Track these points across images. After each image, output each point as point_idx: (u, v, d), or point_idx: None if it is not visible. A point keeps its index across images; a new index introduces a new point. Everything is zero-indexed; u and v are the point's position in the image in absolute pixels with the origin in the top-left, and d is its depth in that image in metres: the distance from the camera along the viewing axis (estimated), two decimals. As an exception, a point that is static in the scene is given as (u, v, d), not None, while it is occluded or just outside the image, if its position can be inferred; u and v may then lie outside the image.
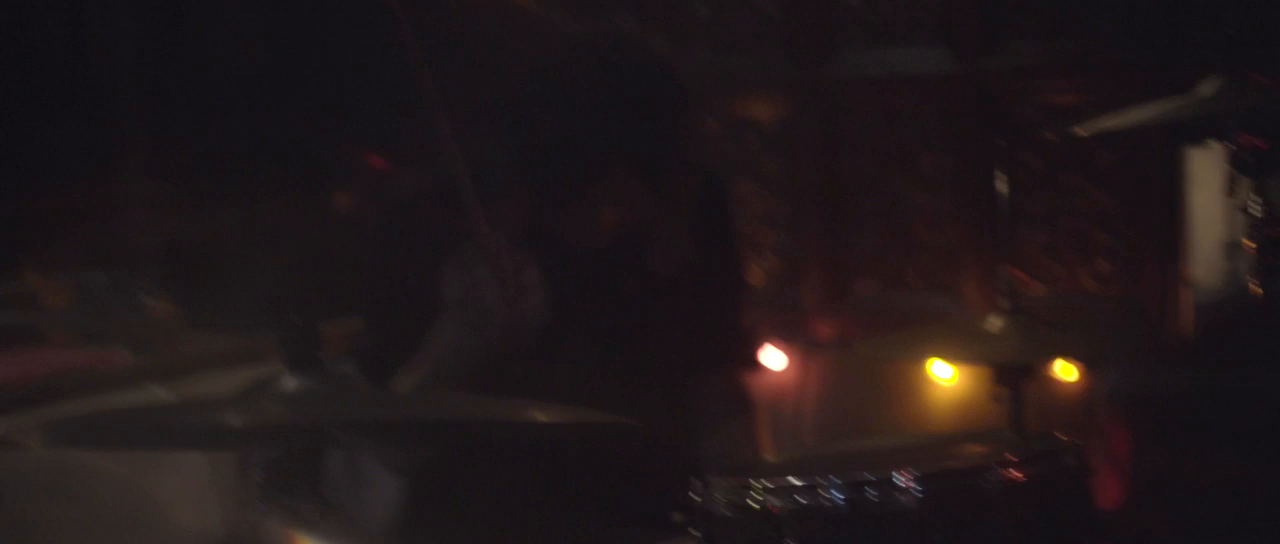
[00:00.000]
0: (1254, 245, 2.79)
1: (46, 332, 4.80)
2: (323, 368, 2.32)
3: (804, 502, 2.37)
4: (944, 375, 4.28)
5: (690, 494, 2.50)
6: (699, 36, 4.76)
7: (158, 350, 4.73)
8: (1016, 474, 2.36)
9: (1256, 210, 2.77)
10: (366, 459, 3.68)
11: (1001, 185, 3.10)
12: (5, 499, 3.56)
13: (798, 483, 2.39)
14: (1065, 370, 4.08)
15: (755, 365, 3.30)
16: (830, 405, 4.47)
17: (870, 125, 4.58)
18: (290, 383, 2.31)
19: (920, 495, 2.35)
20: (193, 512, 4.19)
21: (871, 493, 2.37)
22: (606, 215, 2.87)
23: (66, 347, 4.77)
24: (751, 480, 2.43)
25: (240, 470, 4.06)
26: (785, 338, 4.57)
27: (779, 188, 4.70)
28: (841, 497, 2.37)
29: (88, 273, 4.95)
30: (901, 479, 2.36)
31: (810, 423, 4.46)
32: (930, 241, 4.51)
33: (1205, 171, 3.29)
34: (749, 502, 2.41)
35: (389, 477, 3.59)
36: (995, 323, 3.19)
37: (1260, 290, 2.81)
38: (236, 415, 2.25)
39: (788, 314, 4.65)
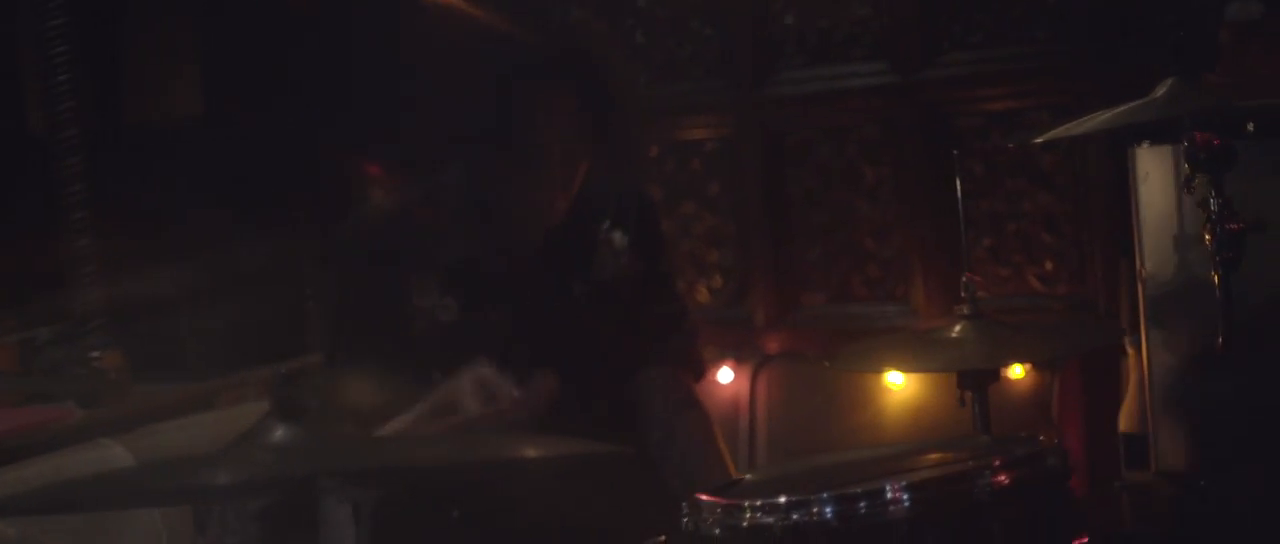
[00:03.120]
0: (1212, 238, 2.84)
1: (-7, 391, 4.77)
2: (312, 417, 2.31)
3: (796, 518, 2.39)
4: (895, 382, 4.32)
5: (681, 517, 2.51)
6: (636, 62, 4.78)
7: (108, 404, 4.70)
8: (1004, 478, 2.40)
9: (1214, 205, 2.83)
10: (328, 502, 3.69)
11: (958, 193, 3.14)
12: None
13: (788, 500, 2.41)
14: (1014, 372, 4.12)
15: (701, 372, 3.36)
16: (783, 418, 4.50)
17: (812, 141, 4.61)
18: (278, 433, 2.30)
19: (910, 505, 2.38)
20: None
21: (863, 506, 2.40)
22: (556, 168, 2.97)
23: (8, 406, 4.73)
24: (743, 501, 2.45)
25: (198, 527, 4.05)
26: (735, 354, 4.60)
27: (722, 207, 4.74)
28: (832, 511, 2.40)
29: (32, 330, 4.92)
30: (891, 490, 2.39)
31: (763, 437, 4.49)
32: (877, 252, 4.55)
33: (1152, 169, 3.35)
34: (742, 522, 2.43)
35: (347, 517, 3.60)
36: (956, 328, 3.22)
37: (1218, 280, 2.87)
38: (225, 472, 2.25)
39: (737, 330, 4.67)
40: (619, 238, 3.17)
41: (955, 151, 3.15)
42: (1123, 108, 2.95)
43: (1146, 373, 3.46)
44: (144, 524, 4.15)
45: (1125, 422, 3.76)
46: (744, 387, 4.53)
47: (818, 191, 4.61)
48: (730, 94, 4.69)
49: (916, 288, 4.47)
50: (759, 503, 2.43)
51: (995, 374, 3.18)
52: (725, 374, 4.54)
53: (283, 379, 2.31)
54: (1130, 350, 3.73)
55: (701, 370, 3.38)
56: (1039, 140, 3.06)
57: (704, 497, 2.51)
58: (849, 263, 4.59)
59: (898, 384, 4.29)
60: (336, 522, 3.76)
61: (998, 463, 2.41)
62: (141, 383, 4.80)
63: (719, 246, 4.75)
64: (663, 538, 2.62)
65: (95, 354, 4.77)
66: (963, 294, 3.24)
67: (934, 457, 2.71)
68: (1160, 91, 2.93)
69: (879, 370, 4.00)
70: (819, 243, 4.62)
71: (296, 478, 2.23)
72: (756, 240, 4.68)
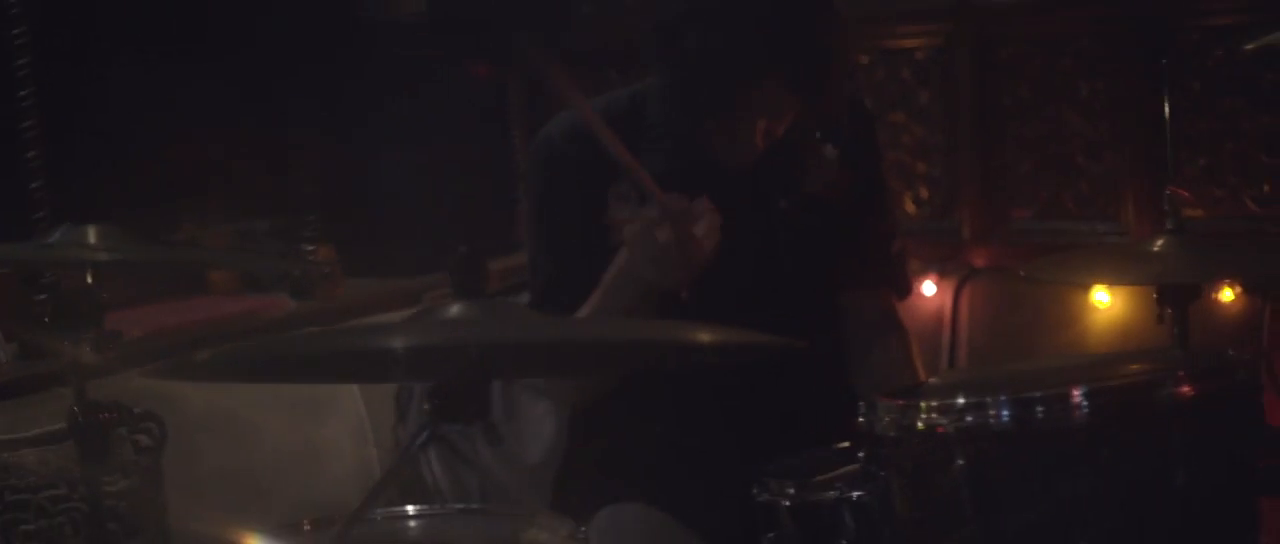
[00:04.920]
0: None
1: (209, 280, 4.89)
2: (487, 296, 2.33)
3: (971, 420, 2.36)
4: (1102, 301, 4.23)
5: (857, 417, 2.49)
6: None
7: (318, 296, 4.79)
8: (1187, 389, 2.33)
9: None
10: (522, 393, 3.71)
11: (1166, 106, 3.05)
12: (170, 437, 3.64)
13: (965, 401, 2.38)
14: (1224, 295, 4.02)
15: (907, 290, 3.30)
16: (986, 333, 4.44)
17: (1025, 53, 4.52)
18: (456, 309, 2.32)
19: (1089, 412, 2.33)
20: (352, 452, 4.25)
21: (1041, 411, 2.35)
22: (760, 128, 2.89)
23: (228, 294, 4.85)
24: (919, 401, 2.42)
25: (398, 414, 4.12)
26: (940, 267, 4.54)
27: (932, 118, 4.66)
28: (1009, 414, 2.36)
29: (247, 221, 5.04)
30: (1070, 396, 2.34)
31: (965, 352, 4.43)
32: (1088, 168, 4.45)
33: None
34: (917, 422, 2.40)
35: (546, 409, 3.62)
36: (1158, 243, 3.14)
37: None
38: (401, 338, 2.26)
39: (942, 244, 4.61)
40: (830, 149, 3.07)
41: (1164, 62, 3.06)
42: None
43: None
44: (347, 408, 4.25)
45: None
46: (947, 300, 4.47)
47: (1030, 104, 4.52)
48: (943, 2, 4.61)
49: (1127, 206, 4.36)
50: (935, 404, 2.40)
51: (1197, 291, 3.11)
52: (928, 287, 4.48)
53: (460, 258, 2.33)
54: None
55: (907, 289, 3.30)
56: (1250, 46, 2.95)
57: (882, 398, 2.48)
58: (1059, 178, 4.49)
59: (1104, 303, 4.21)
60: (533, 417, 3.79)
61: (1182, 373, 2.35)
62: (351, 277, 4.89)
63: (927, 158, 4.68)
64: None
65: (309, 247, 4.87)
66: (1166, 208, 3.16)
67: (1122, 367, 2.65)
68: None
69: (1076, 282, 3.92)
70: (1030, 157, 4.53)
71: (471, 348, 2.22)
72: (966, 153, 4.60)
